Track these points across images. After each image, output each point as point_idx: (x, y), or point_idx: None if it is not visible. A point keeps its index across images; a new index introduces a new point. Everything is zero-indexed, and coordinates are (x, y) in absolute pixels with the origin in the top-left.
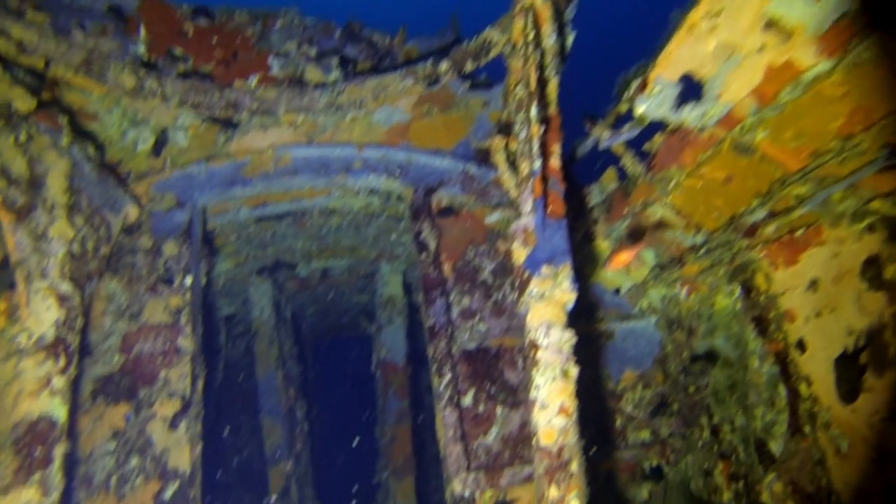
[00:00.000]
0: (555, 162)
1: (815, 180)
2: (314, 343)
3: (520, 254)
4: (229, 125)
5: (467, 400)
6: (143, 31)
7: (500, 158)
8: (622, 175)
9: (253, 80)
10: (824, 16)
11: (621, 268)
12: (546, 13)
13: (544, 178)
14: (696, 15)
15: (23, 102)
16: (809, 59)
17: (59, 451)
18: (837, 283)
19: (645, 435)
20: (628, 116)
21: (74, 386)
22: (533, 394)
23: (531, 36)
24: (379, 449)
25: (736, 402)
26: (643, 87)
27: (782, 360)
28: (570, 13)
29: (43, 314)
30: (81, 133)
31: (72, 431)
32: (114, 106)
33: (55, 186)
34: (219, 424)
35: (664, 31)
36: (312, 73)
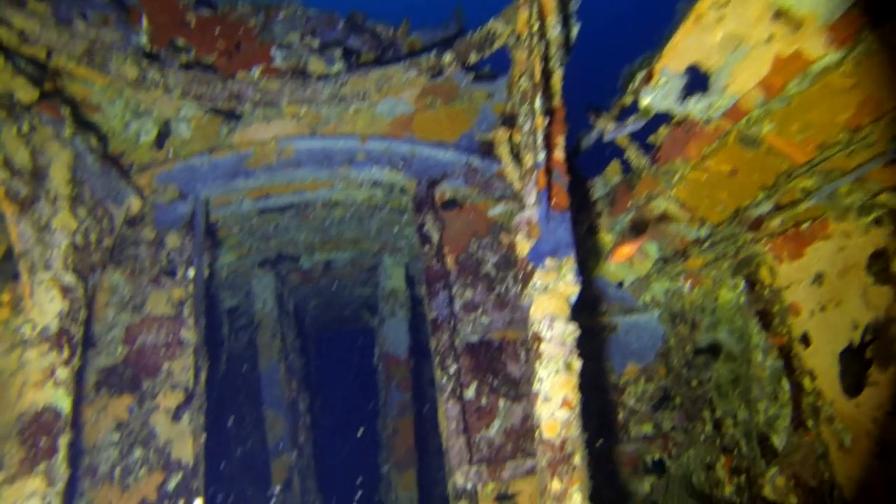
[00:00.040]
0: (559, 154)
1: (821, 173)
2: (317, 336)
3: (523, 246)
4: (232, 117)
5: (470, 393)
6: (145, 22)
7: (503, 150)
8: (626, 168)
9: (256, 72)
10: (835, 5)
11: (624, 261)
12: (551, 4)
13: (548, 171)
14: (703, 5)
15: (25, 93)
16: (818, 49)
17: (63, 442)
18: (843, 276)
19: (647, 428)
20: (633, 108)
21: (78, 377)
22: (536, 386)
23: (536, 27)
24: (381, 441)
25: (739, 396)
26: (649, 78)
27: (786, 354)
28: (574, 4)
29: (46, 305)
30: (84, 124)
31: (76, 422)
32: (116, 97)
33: (58, 178)
34: (221, 417)
35: (670, 21)
36: (315, 65)
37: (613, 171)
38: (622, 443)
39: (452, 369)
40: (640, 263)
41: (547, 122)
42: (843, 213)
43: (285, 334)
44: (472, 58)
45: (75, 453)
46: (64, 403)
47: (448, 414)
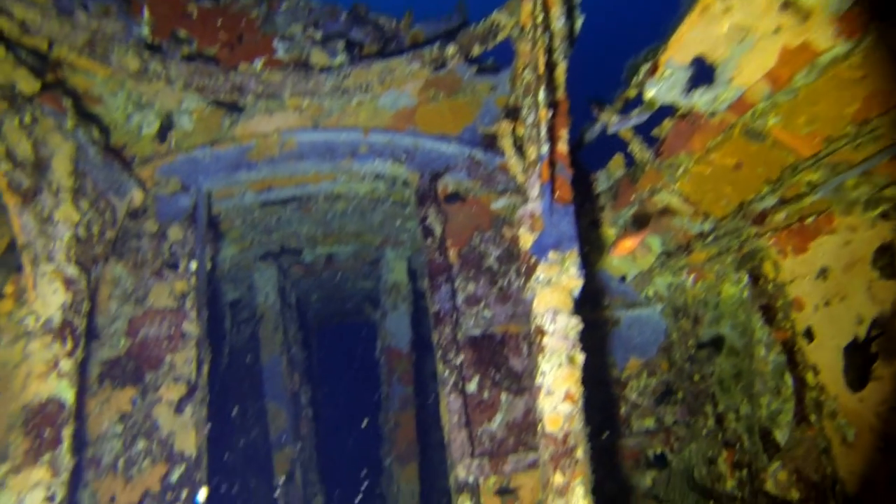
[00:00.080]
0: (562, 147)
1: (827, 167)
2: (319, 329)
3: (526, 239)
4: (234, 109)
5: (472, 386)
6: (146, 13)
7: (507, 143)
8: (630, 161)
9: (258, 64)
10: None
11: (626, 254)
12: None
13: (552, 163)
14: None
15: (27, 84)
16: (827, 40)
17: (67, 433)
18: (848, 271)
19: (649, 422)
20: (637, 101)
21: (81, 369)
22: (539, 380)
23: (540, 19)
24: (383, 435)
25: (741, 390)
26: (653, 70)
27: (789, 349)
28: None
29: (50, 297)
30: (86, 116)
31: (80, 414)
32: (118, 89)
33: (60, 169)
34: (224, 409)
35: (676, 13)
36: (318, 57)
37: (617, 165)
38: (624, 437)
39: (454, 363)
40: (643, 257)
41: (550, 114)
42: (848, 206)
43: (287, 327)
44: (476, 50)
45: (79, 444)
46: (67, 395)
47: (450, 407)
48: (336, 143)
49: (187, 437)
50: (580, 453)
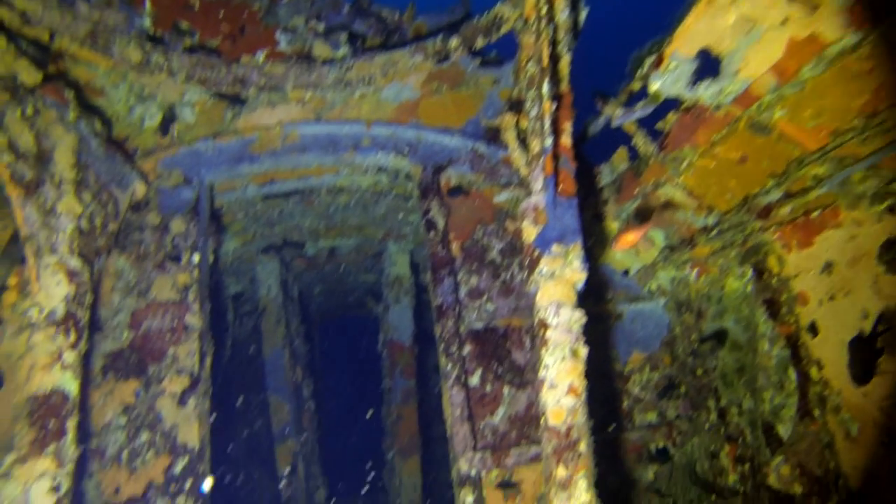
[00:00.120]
0: (566, 140)
1: (834, 160)
2: (321, 322)
3: (530, 232)
4: (237, 101)
5: (474, 380)
6: (148, 4)
7: (510, 136)
8: (633, 154)
9: (260, 56)
10: None
11: (628, 248)
12: None
13: (555, 156)
14: None
15: (28, 75)
16: (836, 32)
17: (71, 424)
18: (853, 265)
19: (652, 416)
20: (641, 94)
21: (85, 361)
22: (542, 373)
23: (544, 11)
24: (385, 428)
25: (744, 385)
26: (658, 62)
27: (793, 344)
28: None
29: (53, 289)
30: (88, 108)
31: (84, 405)
32: (120, 81)
33: (63, 161)
34: (226, 402)
35: (682, 4)
36: (321, 49)
37: (620, 159)
38: (626, 431)
39: (457, 356)
40: (647, 251)
41: (554, 107)
42: (855, 200)
43: (290, 320)
44: (479, 42)
45: (83, 436)
46: (71, 386)
47: (453, 401)
48: (339, 135)
49: (190, 429)
50: (583, 447)
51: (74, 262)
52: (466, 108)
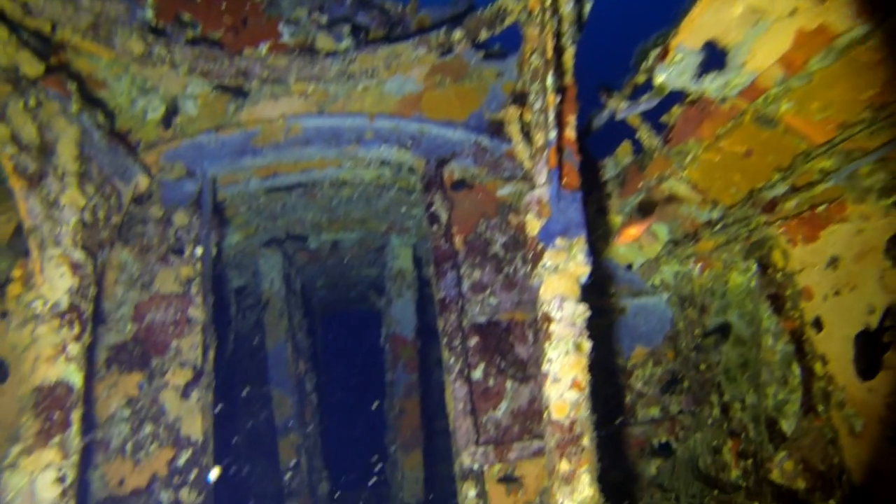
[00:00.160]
0: (570, 133)
1: (841, 153)
2: (324, 316)
3: (534, 225)
4: (239, 94)
5: (477, 374)
6: None
7: (514, 129)
8: (638, 148)
9: (263, 48)
10: None
11: (630, 242)
12: None
13: (559, 149)
14: None
15: (30, 67)
16: (845, 22)
17: (76, 416)
18: (859, 260)
19: (654, 411)
20: (646, 87)
21: (89, 353)
22: (545, 367)
23: (548, 3)
24: (387, 422)
25: (747, 380)
26: (664, 54)
27: (797, 339)
28: None
29: (57, 281)
30: (90, 100)
31: (88, 397)
32: (122, 73)
33: (65, 154)
34: (229, 395)
35: None
36: (324, 41)
37: (624, 152)
38: (629, 425)
39: (460, 350)
40: (650, 246)
41: (558, 100)
42: (862, 194)
43: (292, 314)
44: (483, 35)
45: (88, 427)
46: (76, 378)
47: (455, 395)
48: (342, 128)
49: (193, 422)
50: (586, 441)
51: (78, 255)
52: (470, 101)
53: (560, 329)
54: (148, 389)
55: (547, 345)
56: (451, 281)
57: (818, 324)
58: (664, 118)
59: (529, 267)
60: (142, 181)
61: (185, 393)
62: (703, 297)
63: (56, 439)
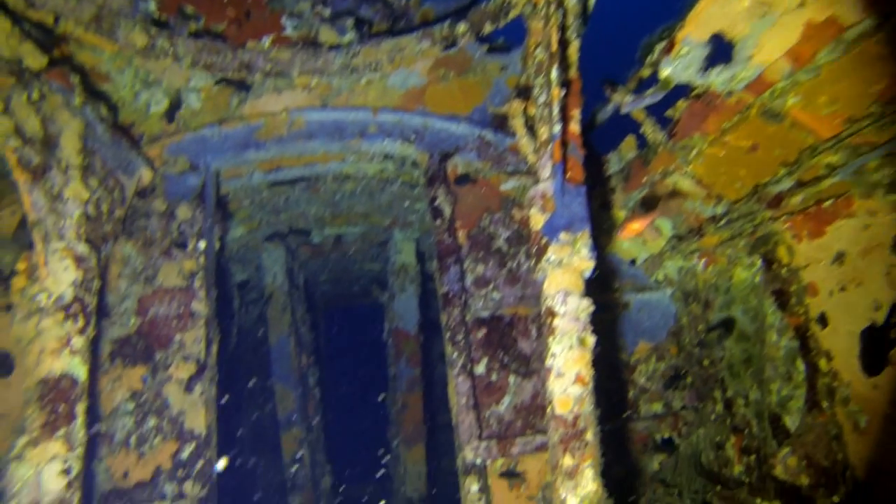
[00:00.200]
0: (574, 127)
1: (848, 148)
2: (327, 310)
3: (538, 220)
4: (242, 87)
5: (480, 368)
6: None
7: (518, 123)
8: (642, 143)
9: (266, 41)
10: None
11: (633, 237)
12: None
13: (564, 143)
14: None
15: (34, 59)
16: (854, 14)
17: (81, 409)
18: (865, 256)
19: (657, 407)
20: (651, 81)
21: (93, 346)
22: (549, 362)
23: None
24: (390, 416)
25: (751, 376)
26: (670, 48)
27: (802, 335)
28: None
29: (61, 274)
30: (94, 93)
31: (92, 390)
32: (125, 66)
33: (69, 147)
34: (233, 389)
35: None
36: (327, 35)
37: (629, 147)
38: (632, 420)
39: (463, 345)
40: (654, 241)
41: (563, 93)
42: (869, 189)
43: (295, 308)
44: (487, 28)
45: (92, 420)
46: (80, 371)
47: (458, 389)
48: (345, 122)
49: (197, 415)
50: (590, 436)
51: (82, 248)
52: (473, 95)
53: (564, 324)
54: (152, 383)
55: (550, 339)
56: (455, 275)
57: (823, 320)
58: (669, 112)
59: (533, 261)
60: (145, 175)
61: (188, 387)
62: (707, 292)
63: (61, 431)
